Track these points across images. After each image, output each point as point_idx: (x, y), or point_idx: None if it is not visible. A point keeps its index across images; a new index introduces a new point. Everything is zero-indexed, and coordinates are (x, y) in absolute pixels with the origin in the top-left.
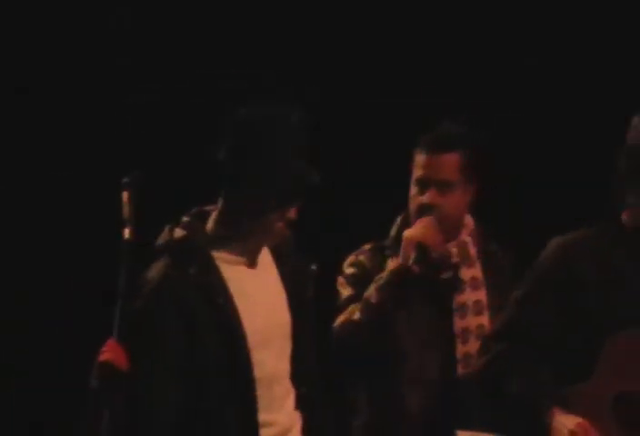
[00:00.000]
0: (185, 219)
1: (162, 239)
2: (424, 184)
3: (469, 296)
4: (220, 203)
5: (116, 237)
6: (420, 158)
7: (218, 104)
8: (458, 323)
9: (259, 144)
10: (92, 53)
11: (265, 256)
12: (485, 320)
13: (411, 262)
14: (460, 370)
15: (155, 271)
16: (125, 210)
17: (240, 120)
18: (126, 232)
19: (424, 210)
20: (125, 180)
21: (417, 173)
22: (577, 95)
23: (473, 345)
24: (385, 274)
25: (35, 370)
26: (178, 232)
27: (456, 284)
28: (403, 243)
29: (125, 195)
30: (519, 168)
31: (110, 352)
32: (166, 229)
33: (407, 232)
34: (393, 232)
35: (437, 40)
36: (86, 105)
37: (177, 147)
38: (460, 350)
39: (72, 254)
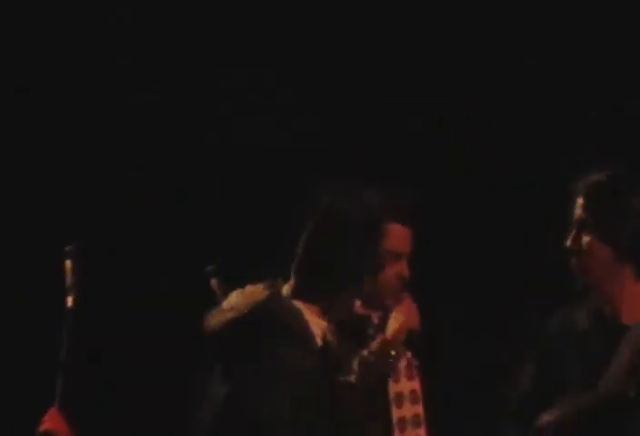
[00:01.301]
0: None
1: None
2: (400, 257)
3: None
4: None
5: (59, 305)
6: (399, 229)
7: (218, 104)
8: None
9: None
10: (92, 53)
11: None
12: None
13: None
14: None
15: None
16: (68, 278)
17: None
18: (69, 301)
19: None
20: (69, 248)
21: (400, 245)
22: (577, 95)
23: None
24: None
25: None
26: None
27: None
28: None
29: (67, 264)
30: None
31: (51, 422)
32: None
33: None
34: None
35: (438, 40)
36: (86, 105)
37: (177, 147)
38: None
39: (12, 321)
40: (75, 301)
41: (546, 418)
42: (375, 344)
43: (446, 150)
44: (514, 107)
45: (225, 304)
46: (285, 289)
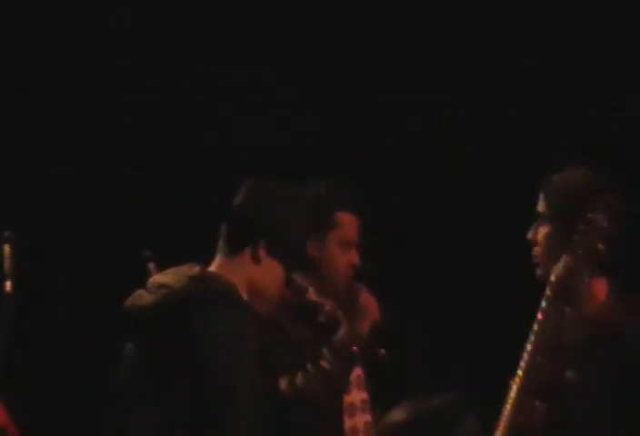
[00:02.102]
0: None
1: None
2: (350, 246)
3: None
4: None
5: None
6: (350, 218)
7: (218, 104)
8: (348, 422)
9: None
10: (92, 53)
11: None
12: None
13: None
14: None
15: None
16: (7, 263)
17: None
18: (7, 286)
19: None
20: (7, 233)
21: (351, 234)
22: (577, 95)
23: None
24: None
25: None
26: None
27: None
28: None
29: (6, 249)
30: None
31: None
32: None
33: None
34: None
35: (438, 40)
36: (86, 105)
37: (177, 147)
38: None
39: None
40: (13, 285)
41: (399, 415)
42: (341, 332)
43: (446, 150)
44: (514, 107)
45: (151, 285)
46: (212, 268)
